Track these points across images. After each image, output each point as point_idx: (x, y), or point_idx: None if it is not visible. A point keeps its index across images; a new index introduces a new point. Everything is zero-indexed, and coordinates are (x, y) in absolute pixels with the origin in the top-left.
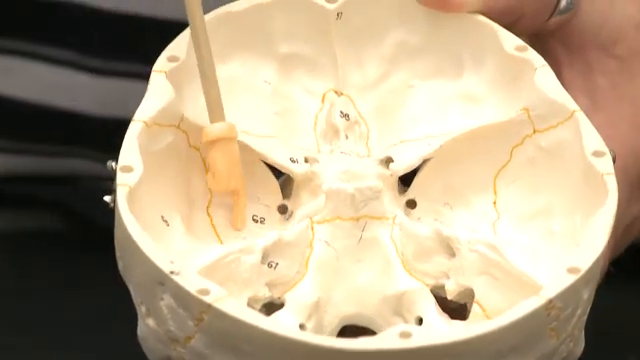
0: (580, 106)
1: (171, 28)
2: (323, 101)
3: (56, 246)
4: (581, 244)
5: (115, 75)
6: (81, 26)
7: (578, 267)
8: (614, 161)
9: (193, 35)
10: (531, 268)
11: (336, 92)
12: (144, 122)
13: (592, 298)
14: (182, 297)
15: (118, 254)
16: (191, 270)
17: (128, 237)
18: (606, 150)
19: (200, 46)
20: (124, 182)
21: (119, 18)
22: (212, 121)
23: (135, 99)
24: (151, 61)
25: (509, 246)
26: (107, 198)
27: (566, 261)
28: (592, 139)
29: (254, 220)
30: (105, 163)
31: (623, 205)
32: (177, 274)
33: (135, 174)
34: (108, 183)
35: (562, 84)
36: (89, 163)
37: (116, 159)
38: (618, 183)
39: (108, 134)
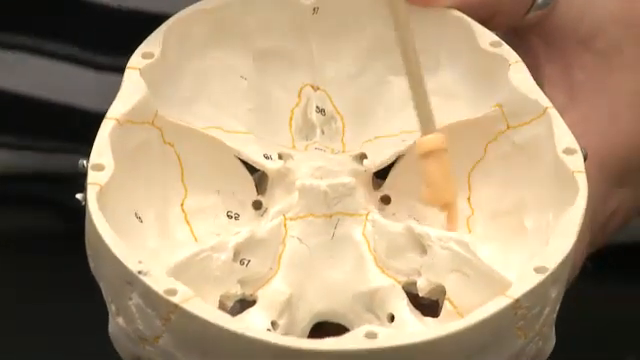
0: (558, 101)
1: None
2: (299, 96)
3: (56, 245)
4: (549, 243)
5: (119, 71)
6: (86, 22)
7: (545, 266)
8: (585, 159)
9: (401, 48)
10: (502, 266)
11: (312, 87)
12: (116, 120)
13: (561, 296)
14: (150, 297)
15: (89, 253)
16: (160, 269)
17: (97, 236)
18: (577, 148)
19: (409, 60)
20: (95, 181)
21: (124, 14)
22: (424, 133)
23: None
24: None
25: (480, 243)
26: (79, 196)
27: (534, 260)
28: (564, 136)
29: (228, 216)
30: None
31: (600, 201)
32: (145, 274)
33: (106, 172)
34: None
35: (541, 79)
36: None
37: (88, 157)
38: (595, 179)
39: None
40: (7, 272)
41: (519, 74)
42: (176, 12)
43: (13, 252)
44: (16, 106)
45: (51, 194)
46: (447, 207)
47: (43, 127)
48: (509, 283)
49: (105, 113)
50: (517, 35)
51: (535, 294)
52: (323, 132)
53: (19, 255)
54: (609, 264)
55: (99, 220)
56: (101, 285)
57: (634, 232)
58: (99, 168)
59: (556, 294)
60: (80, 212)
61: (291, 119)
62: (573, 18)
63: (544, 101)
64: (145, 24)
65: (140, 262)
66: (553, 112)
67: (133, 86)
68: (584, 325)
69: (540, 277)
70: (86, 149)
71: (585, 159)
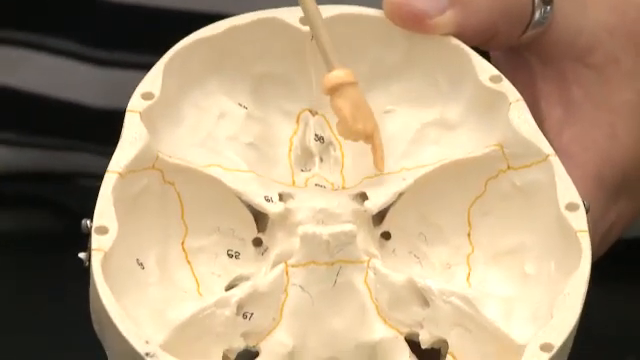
0: (556, 117)
1: (175, 18)
2: (298, 122)
3: (56, 245)
4: (554, 315)
5: (119, 66)
6: (85, 16)
7: (551, 344)
8: (587, 211)
9: None
10: (505, 322)
11: (311, 111)
12: (119, 173)
13: None
14: None
15: (93, 317)
16: (164, 330)
17: (103, 309)
18: (580, 202)
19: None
20: (99, 246)
21: (124, 8)
22: (329, 70)
23: None
24: (156, 51)
25: (482, 297)
26: (82, 255)
27: (539, 335)
28: (566, 189)
29: (229, 255)
30: (108, 157)
31: (599, 215)
32: (152, 356)
33: (110, 236)
34: None
35: (537, 96)
36: (91, 158)
37: (92, 214)
38: (595, 196)
39: (112, 126)
40: (7, 272)
41: (520, 115)
42: (175, 6)
43: (13, 252)
44: (17, 102)
45: (51, 194)
46: (369, 140)
47: (44, 124)
48: (511, 341)
49: (105, 108)
50: (512, 52)
51: None
52: (322, 160)
53: (19, 255)
54: (608, 264)
55: (105, 293)
56: (106, 350)
57: (633, 231)
58: (103, 231)
59: None
60: (77, 212)
61: (290, 150)
62: (568, 34)
63: (546, 148)
64: (146, 19)
65: (147, 342)
66: (555, 160)
67: (134, 133)
68: (583, 325)
69: (547, 356)
70: (86, 145)
71: (587, 212)
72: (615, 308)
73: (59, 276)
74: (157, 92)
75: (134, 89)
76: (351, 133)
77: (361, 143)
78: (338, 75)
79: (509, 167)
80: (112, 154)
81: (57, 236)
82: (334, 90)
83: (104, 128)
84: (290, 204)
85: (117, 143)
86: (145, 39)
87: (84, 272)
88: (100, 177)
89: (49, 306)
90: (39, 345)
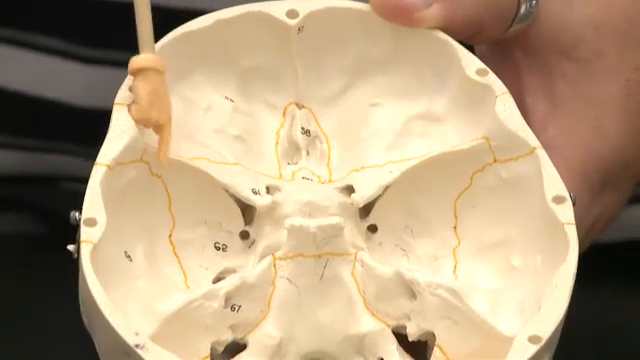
0: (541, 111)
1: (161, 15)
2: (284, 115)
3: (38, 249)
4: (542, 307)
5: (105, 64)
6: (70, 13)
7: (539, 336)
8: (574, 204)
9: None
10: (491, 315)
11: (297, 105)
12: (107, 166)
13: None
14: None
15: (82, 309)
16: (153, 323)
17: (93, 301)
18: (566, 195)
19: None
20: (88, 238)
21: (109, 5)
22: (140, 52)
23: None
24: None
25: (470, 290)
26: (71, 247)
27: (527, 327)
28: (553, 182)
29: (216, 248)
30: (92, 157)
31: (584, 209)
32: (142, 347)
33: (99, 228)
34: None
35: (522, 90)
36: (75, 160)
37: (81, 206)
38: (580, 190)
39: (97, 126)
40: (7, 272)
41: (506, 108)
42: (161, 3)
43: (10, 253)
44: (1, 102)
45: (33, 197)
46: (157, 130)
47: (27, 123)
48: (498, 333)
49: (90, 107)
50: (498, 46)
51: None
52: (308, 153)
53: (16, 257)
54: (607, 263)
55: (94, 285)
56: (95, 342)
57: (631, 230)
58: (91, 223)
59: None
60: (58, 215)
61: (277, 143)
62: (553, 28)
63: (532, 140)
64: (131, 16)
65: (137, 334)
66: (541, 153)
67: (122, 126)
68: (580, 325)
69: (535, 348)
70: (71, 148)
71: (574, 204)
72: (611, 308)
73: (57, 276)
74: None
75: (120, 87)
76: (142, 119)
77: (349, 137)
78: (146, 58)
79: (495, 160)
80: (96, 156)
81: (40, 240)
82: (138, 72)
83: (89, 128)
84: (277, 197)
85: (102, 144)
86: (131, 37)
87: (66, 274)
88: (84, 180)
89: (47, 306)
90: (38, 345)
